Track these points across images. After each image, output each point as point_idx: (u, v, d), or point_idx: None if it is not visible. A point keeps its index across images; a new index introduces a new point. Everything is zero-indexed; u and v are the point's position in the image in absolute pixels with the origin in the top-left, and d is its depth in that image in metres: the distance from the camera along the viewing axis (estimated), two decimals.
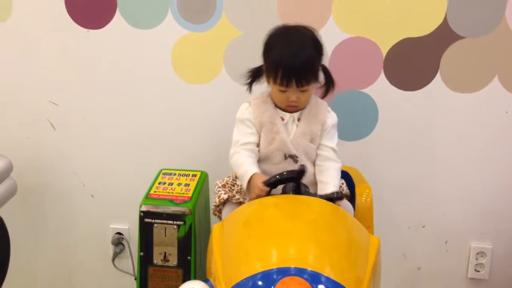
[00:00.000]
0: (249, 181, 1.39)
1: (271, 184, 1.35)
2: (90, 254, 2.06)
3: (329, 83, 1.50)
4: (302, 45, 1.40)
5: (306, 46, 1.40)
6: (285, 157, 1.45)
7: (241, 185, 1.46)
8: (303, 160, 1.45)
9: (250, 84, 1.53)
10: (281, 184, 1.35)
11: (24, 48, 1.87)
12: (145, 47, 1.82)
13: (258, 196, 1.36)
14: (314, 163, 1.49)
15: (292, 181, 1.34)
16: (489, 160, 1.84)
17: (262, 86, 1.53)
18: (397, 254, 1.97)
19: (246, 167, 1.41)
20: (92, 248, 2.05)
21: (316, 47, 1.42)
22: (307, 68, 1.39)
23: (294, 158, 1.45)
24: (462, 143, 1.84)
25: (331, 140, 1.49)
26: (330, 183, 1.43)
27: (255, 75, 1.52)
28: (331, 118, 1.49)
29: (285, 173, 1.35)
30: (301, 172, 1.32)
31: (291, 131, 1.46)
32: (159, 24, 1.79)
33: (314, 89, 1.46)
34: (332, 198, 1.34)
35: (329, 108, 1.51)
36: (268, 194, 1.36)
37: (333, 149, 1.49)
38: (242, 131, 1.47)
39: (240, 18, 1.76)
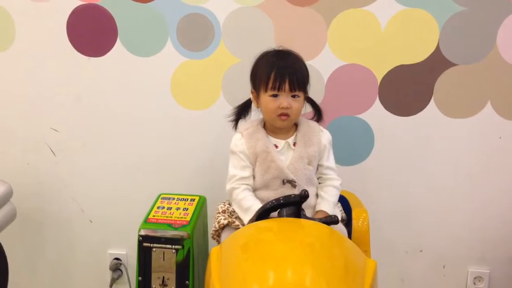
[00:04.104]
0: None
1: (273, 208, 1.35)
2: (88, 280, 2.06)
3: (317, 109, 1.58)
4: (290, 53, 1.51)
5: (293, 54, 1.51)
6: (283, 183, 1.47)
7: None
8: (303, 184, 1.47)
9: (236, 121, 1.58)
10: (282, 208, 1.36)
11: (26, 75, 1.89)
12: (145, 74, 1.85)
13: None
14: (314, 185, 1.52)
15: (293, 205, 1.34)
16: (484, 184, 1.86)
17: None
18: (395, 278, 1.97)
19: (249, 202, 1.45)
20: (90, 274, 2.05)
21: (303, 60, 1.50)
22: (298, 69, 1.46)
23: (292, 183, 1.47)
24: (457, 168, 1.86)
25: (328, 159, 1.53)
26: (327, 199, 1.50)
27: (242, 111, 1.58)
28: (325, 137, 1.53)
29: (282, 199, 1.34)
30: (304, 197, 1.33)
31: (287, 157, 1.48)
32: (159, 52, 1.83)
33: (304, 104, 1.50)
34: (327, 221, 1.35)
35: (321, 127, 1.55)
36: (267, 217, 1.37)
37: (332, 168, 1.53)
38: (236, 164, 1.50)
39: (238, 46, 1.80)
